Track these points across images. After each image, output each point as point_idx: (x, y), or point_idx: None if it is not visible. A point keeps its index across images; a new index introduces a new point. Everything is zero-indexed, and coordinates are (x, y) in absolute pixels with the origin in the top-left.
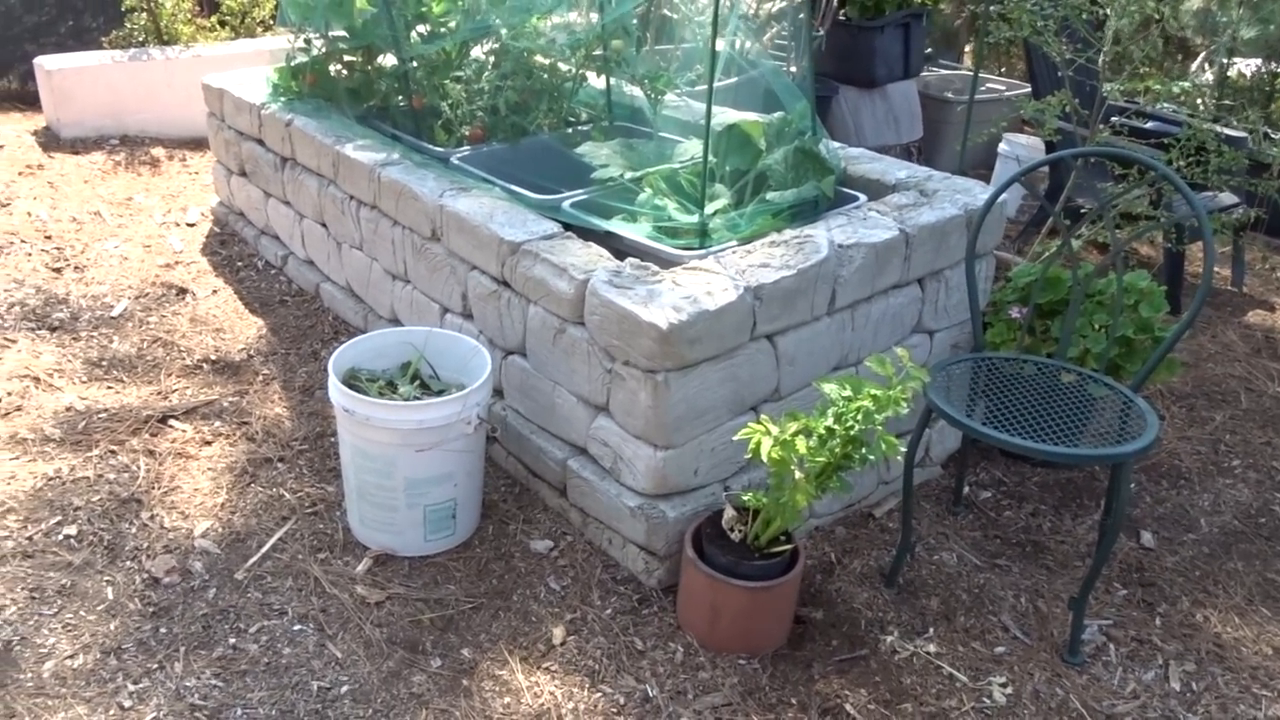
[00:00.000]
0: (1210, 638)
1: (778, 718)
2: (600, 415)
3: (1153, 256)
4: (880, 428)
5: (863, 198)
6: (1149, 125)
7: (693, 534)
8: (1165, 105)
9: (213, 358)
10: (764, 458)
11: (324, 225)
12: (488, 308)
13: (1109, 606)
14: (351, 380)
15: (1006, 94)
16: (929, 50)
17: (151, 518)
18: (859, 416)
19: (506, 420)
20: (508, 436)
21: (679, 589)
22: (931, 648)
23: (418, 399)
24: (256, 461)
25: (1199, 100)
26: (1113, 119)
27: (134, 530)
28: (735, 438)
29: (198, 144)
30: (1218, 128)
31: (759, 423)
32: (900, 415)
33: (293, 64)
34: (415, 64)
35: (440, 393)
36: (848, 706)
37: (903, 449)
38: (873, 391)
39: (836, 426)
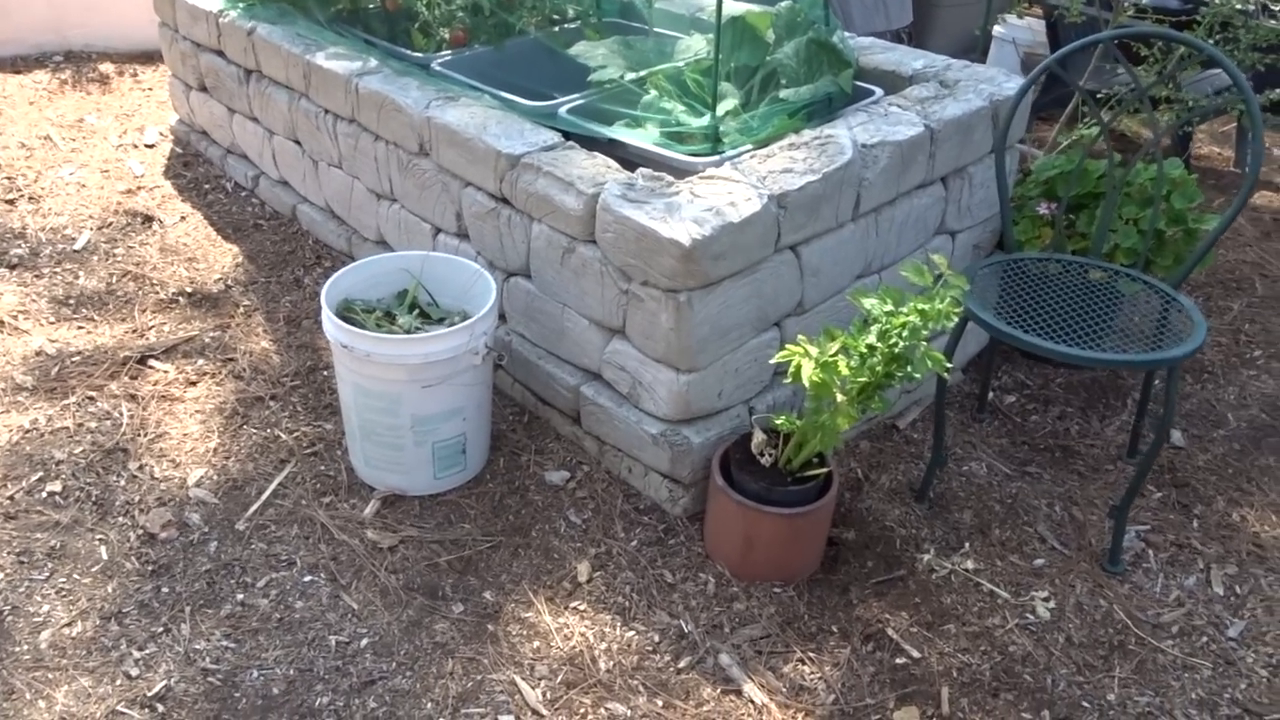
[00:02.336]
0: (1249, 538)
1: (819, 647)
2: (616, 338)
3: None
4: (924, 343)
5: (879, 91)
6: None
7: (720, 460)
8: None
9: (188, 290)
10: (804, 382)
11: (297, 142)
12: (485, 227)
13: (1144, 510)
14: (346, 312)
15: None
16: None
17: (140, 468)
18: (904, 333)
19: (512, 346)
20: (514, 363)
21: (706, 517)
22: (969, 564)
23: (419, 330)
24: (247, 401)
25: None
26: None
27: (123, 483)
28: (773, 360)
29: (150, 57)
30: (1236, 4)
31: (796, 344)
32: (948, 328)
33: None
34: None
35: (442, 321)
36: (890, 631)
37: (948, 364)
38: (919, 305)
39: (879, 344)
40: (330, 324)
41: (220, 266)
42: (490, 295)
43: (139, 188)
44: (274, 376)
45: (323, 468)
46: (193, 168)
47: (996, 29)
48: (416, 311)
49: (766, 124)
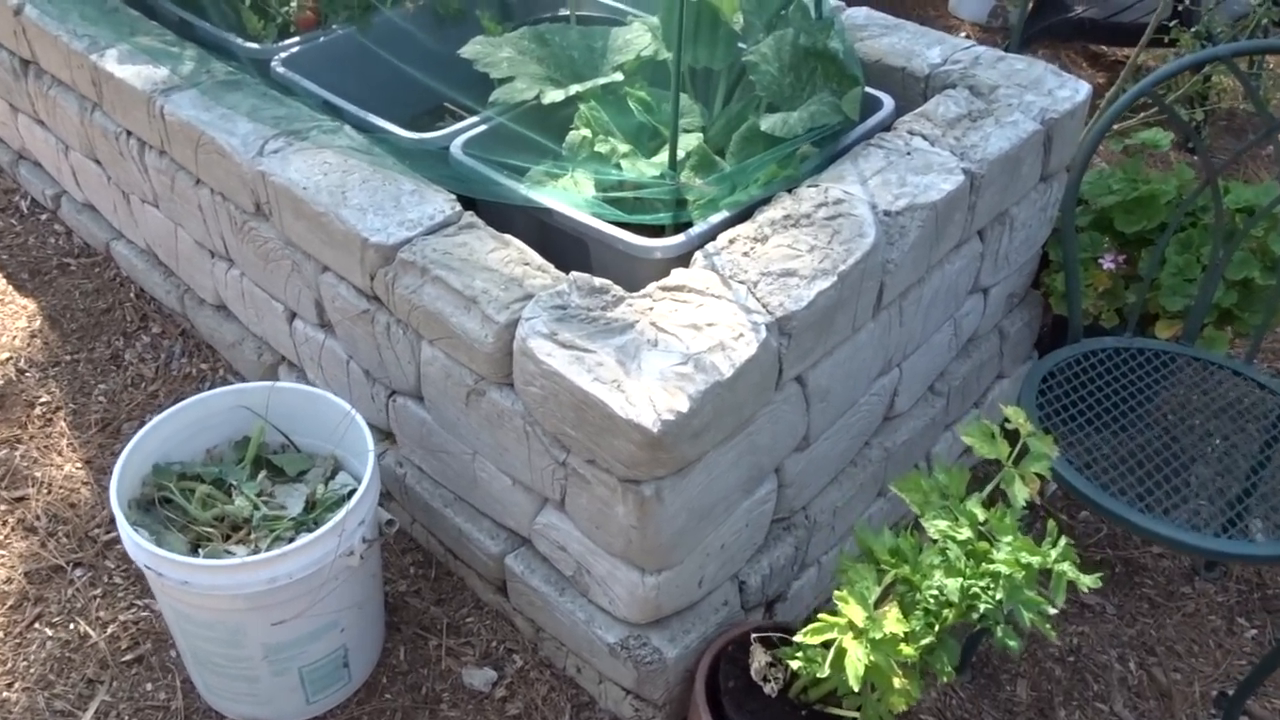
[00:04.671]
0: None
1: None
2: (550, 509)
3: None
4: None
5: (888, 103)
6: None
7: (707, 680)
8: None
9: None
10: (851, 679)
11: (99, 163)
12: (357, 330)
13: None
14: (158, 488)
15: None
16: None
17: None
18: (994, 592)
19: (405, 480)
20: (411, 501)
21: None
22: None
23: (265, 502)
24: (41, 575)
25: None
26: None
27: None
28: (799, 638)
29: None
30: None
31: (834, 613)
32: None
33: None
34: None
35: (302, 476)
36: None
37: (1053, 610)
38: (1022, 555)
39: (956, 600)
40: (125, 533)
41: (10, 338)
42: (368, 457)
43: None
44: (81, 526)
45: (149, 686)
46: None
47: None
48: (264, 473)
49: (748, 178)
